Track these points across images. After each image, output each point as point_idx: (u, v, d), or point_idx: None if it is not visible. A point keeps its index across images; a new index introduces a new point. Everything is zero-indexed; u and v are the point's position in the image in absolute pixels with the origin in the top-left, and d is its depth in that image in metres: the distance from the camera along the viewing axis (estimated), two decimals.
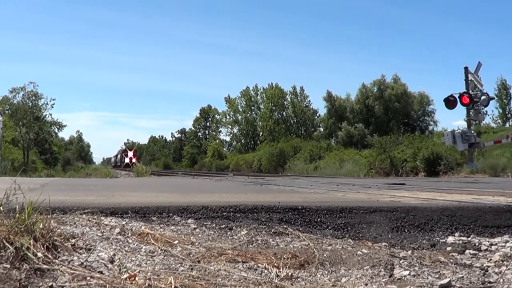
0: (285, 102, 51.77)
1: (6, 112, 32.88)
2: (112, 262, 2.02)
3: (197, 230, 3.02)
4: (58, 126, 39.33)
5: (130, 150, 63.77)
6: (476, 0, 76.20)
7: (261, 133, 52.55)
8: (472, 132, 18.25)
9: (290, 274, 2.13)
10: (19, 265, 1.77)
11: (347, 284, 2.07)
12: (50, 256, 1.91)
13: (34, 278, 1.72)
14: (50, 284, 1.69)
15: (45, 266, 1.81)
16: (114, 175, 28.10)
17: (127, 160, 59.81)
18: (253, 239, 2.83)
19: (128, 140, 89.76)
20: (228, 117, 56.53)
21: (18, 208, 2.14)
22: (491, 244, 2.92)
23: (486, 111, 18.99)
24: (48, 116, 36.96)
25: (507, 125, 38.49)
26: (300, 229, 3.20)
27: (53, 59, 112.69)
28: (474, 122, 19.27)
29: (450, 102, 17.81)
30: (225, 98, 56.18)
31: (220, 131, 61.47)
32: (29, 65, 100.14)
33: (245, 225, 3.21)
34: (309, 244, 2.72)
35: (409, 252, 2.68)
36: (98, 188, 6.57)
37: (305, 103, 51.37)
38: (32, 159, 33.63)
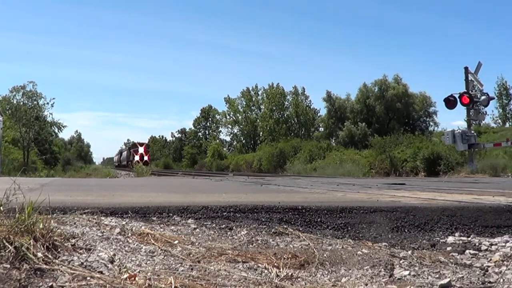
0: (286, 103, 51.77)
1: (6, 112, 32.89)
2: (112, 262, 2.02)
3: (197, 230, 3.02)
4: (58, 127, 39.28)
5: (141, 146, 51.65)
6: (476, 0, 76.26)
7: (261, 133, 52.52)
8: (472, 132, 18.23)
9: (290, 274, 2.13)
10: (19, 265, 1.77)
11: (347, 284, 2.07)
12: (50, 256, 1.90)
13: (34, 278, 1.72)
14: (50, 284, 1.69)
15: (45, 266, 1.81)
16: (114, 175, 28.12)
17: (137, 157, 48.46)
18: (253, 239, 2.83)
19: (128, 140, 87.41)
20: (228, 117, 56.49)
21: (18, 208, 2.14)
22: (491, 244, 2.92)
23: (486, 111, 19.00)
24: (49, 116, 36.94)
25: (507, 125, 38.54)
26: (300, 229, 3.20)
27: (53, 59, 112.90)
28: (474, 122, 19.26)
29: (450, 102, 17.80)
30: (225, 99, 56.11)
31: (220, 131, 61.34)
32: (29, 65, 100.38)
33: (245, 225, 3.21)
34: (309, 244, 2.72)
35: (409, 252, 2.68)
36: (98, 188, 6.57)
37: (306, 103, 51.39)
38: (32, 159, 33.60)
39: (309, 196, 5.24)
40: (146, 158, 49.37)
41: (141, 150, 50.66)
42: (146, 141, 58.61)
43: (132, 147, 54.43)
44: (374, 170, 21.89)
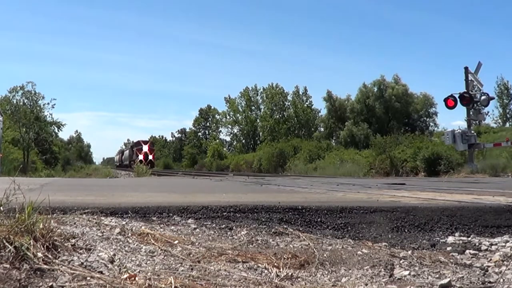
0: (286, 102, 51.78)
1: (6, 112, 32.91)
2: (112, 262, 2.02)
3: (197, 230, 3.02)
4: (57, 126, 39.25)
5: (145, 144, 46.89)
6: (476, 0, 76.28)
7: (261, 133, 52.53)
8: (472, 132, 18.22)
9: (290, 274, 2.13)
10: (19, 265, 1.77)
11: (347, 284, 2.07)
12: (50, 256, 1.90)
13: (34, 278, 1.72)
14: (50, 284, 1.69)
15: (45, 266, 1.81)
16: (114, 175, 28.14)
17: (141, 157, 43.51)
18: (253, 239, 2.83)
19: (128, 140, 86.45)
20: (228, 117, 56.46)
21: (18, 208, 2.14)
22: (491, 244, 2.92)
23: (487, 111, 19.02)
24: (49, 116, 36.95)
25: (507, 125, 38.53)
26: (300, 229, 3.20)
27: (53, 59, 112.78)
28: (474, 122, 19.25)
29: (450, 102, 17.79)
30: (225, 98, 56.13)
31: (220, 131, 61.28)
32: (29, 65, 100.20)
33: (245, 225, 3.21)
34: (309, 244, 2.72)
35: (409, 252, 2.68)
36: (98, 188, 6.57)
37: (307, 103, 51.42)
38: (32, 159, 33.61)
39: (309, 196, 5.24)
40: (150, 157, 44.59)
41: (145, 148, 45.64)
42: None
43: (135, 145, 49.06)
44: (374, 170, 21.88)
